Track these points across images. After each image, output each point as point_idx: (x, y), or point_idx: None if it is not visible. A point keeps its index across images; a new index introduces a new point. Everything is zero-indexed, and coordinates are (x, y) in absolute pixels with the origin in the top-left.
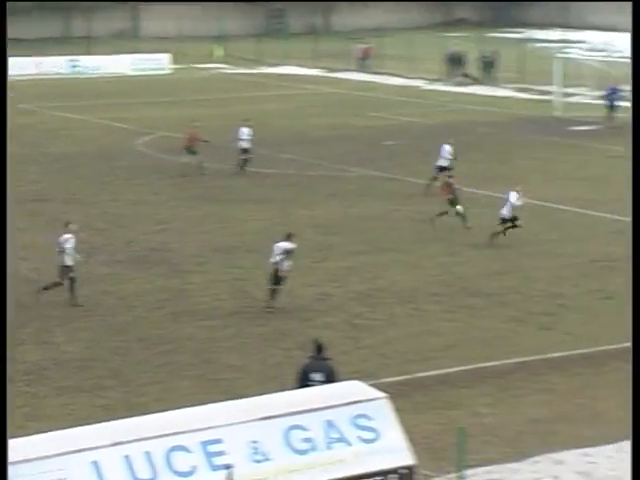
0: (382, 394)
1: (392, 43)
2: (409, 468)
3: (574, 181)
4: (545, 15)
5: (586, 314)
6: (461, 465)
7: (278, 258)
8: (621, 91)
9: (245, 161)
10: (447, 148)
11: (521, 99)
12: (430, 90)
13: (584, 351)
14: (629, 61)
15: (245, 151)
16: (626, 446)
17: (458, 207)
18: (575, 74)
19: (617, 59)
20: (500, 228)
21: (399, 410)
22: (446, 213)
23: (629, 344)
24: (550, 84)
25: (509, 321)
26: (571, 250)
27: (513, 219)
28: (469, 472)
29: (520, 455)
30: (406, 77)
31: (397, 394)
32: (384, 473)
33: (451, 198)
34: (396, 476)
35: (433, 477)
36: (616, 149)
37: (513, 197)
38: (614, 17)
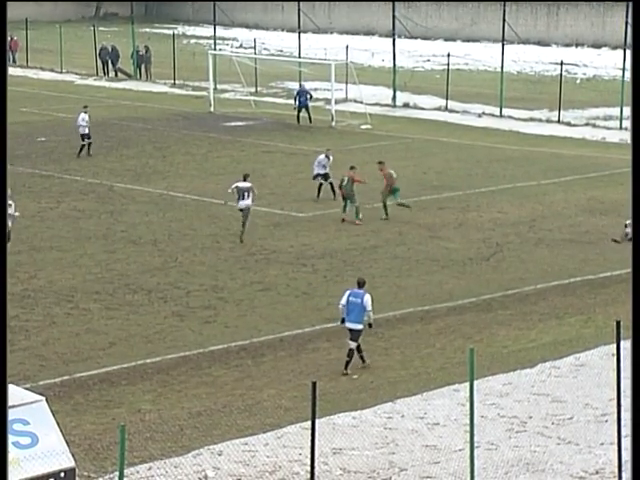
0: (39, 397)
1: (40, 37)
2: (67, 471)
3: (230, 175)
4: (196, 12)
5: (245, 306)
6: (122, 464)
7: None
8: (307, 92)
9: None
10: (322, 158)
11: (176, 95)
12: (84, 85)
13: (243, 342)
14: (277, 58)
15: None
16: (281, 433)
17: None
18: (227, 71)
19: (266, 56)
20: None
21: (59, 412)
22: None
23: (287, 333)
24: (204, 80)
25: (170, 316)
26: (229, 244)
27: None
28: (130, 470)
29: (182, 449)
30: (58, 72)
31: (56, 396)
32: (42, 478)
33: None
34: None
35: (93, 478)
36: (271, 144)
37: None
38: (259, 15)
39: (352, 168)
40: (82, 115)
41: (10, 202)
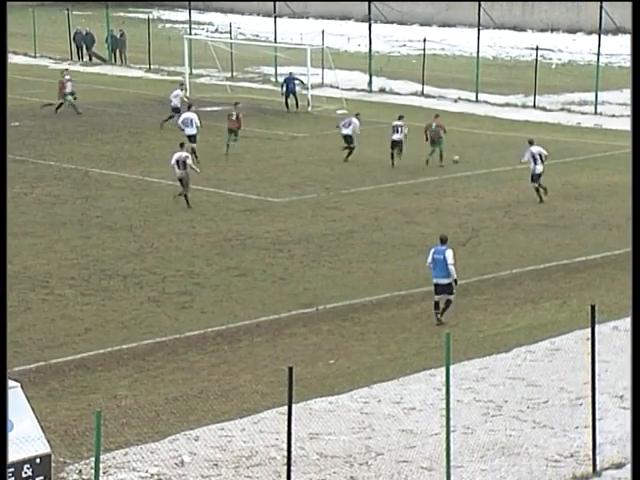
0: (14, 383)
1: (13, 20)
2: (43, 457)
3: (206, 161)
4: None
5: (221, 292)
6: (98, 449)
7: None
8: (296, 79)
9: None
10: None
11: (151, 79)
12: (58, 69)
13: (219, 328)
14: (252, 43)
15: None
16: (258, 418)
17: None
18: (202, 55)
19: (242, 41)
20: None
21: (34, 398)
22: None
23: (263, 319)
24: (179, 65)
25: (146, 302)
26: (205, 229)
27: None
28: (107, 456)
29: (159, 435)
30: (32, 56)
31: (32, 382)
32: (17, 464)
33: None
34: (29, 466)
35: (69, 464)
36: (247, 129)
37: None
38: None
39: (437, 116)
40: (177, 91)
41: (186, 154)
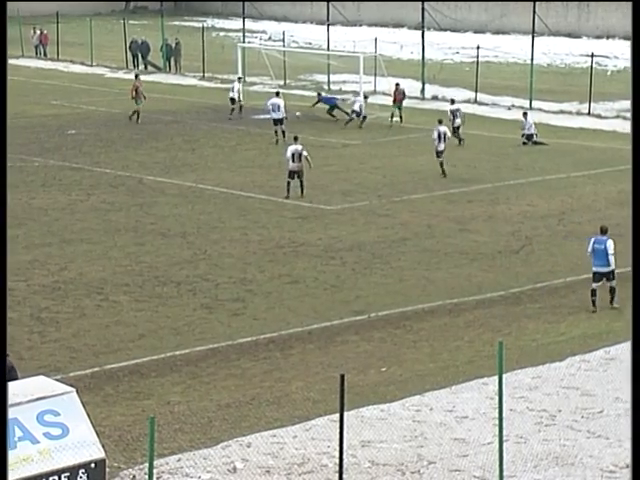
0: (70, 388)
1: (70, 30)
2: (98, 462)
3: (258, 168)
4: (225, 5)
5: (273, 299)
6: (151, 455)
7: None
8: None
9: None
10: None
11: (205, 87)
12: (114, 78)
13: (272, 335)
14: (305, 50)
15: None
16: (309, 425)
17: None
18: (255, 63)
19: (294, 49)
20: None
21: (89, 403)
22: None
23: (315, 326)
24: (233, 73)
25: (199, 308)
26: (257, 236)
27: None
28: (160, 461)
29: (211, 441)
30: (88, 65)
31: (87, 387)
32: (72, 469)
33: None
34: (84, 471)
35: (123, 469)
36: (300, 137)
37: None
38: (288, 8)
39: None
40: (235, 83)
41: (302, 146)
